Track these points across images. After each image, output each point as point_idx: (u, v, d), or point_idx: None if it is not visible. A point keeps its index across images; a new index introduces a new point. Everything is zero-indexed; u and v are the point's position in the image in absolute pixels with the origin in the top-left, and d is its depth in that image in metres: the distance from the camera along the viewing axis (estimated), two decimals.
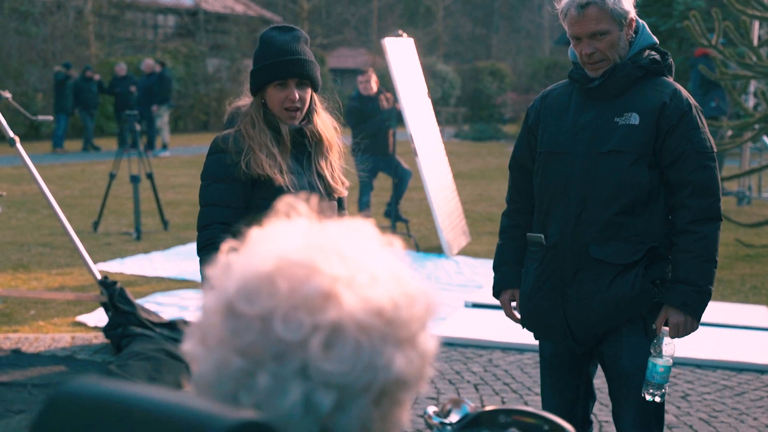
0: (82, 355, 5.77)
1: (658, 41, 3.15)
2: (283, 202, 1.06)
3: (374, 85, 9.56)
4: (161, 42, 31.65)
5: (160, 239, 9.88)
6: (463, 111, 28.99)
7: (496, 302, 3.43)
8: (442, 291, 7.65)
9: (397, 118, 9.52)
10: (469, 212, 11.22)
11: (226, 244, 1.04)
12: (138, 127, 10.39)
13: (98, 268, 6.63)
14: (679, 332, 3.03)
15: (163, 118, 19.68)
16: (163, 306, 6.91)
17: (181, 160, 18.36)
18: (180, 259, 8.79)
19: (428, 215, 11.32)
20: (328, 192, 3.18)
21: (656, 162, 3.05)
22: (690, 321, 3.03)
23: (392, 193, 9.82)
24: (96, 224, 10.26)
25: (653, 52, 3.13)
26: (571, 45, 3.13)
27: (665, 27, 18.57)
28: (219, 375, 0.95)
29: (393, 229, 9.70)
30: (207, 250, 2.93)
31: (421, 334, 0.99)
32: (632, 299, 3.02)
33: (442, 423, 1.31)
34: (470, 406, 1.31)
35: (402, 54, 9.29)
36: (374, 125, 9.37)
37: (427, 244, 9.72)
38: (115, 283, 5.95)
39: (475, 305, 7.03)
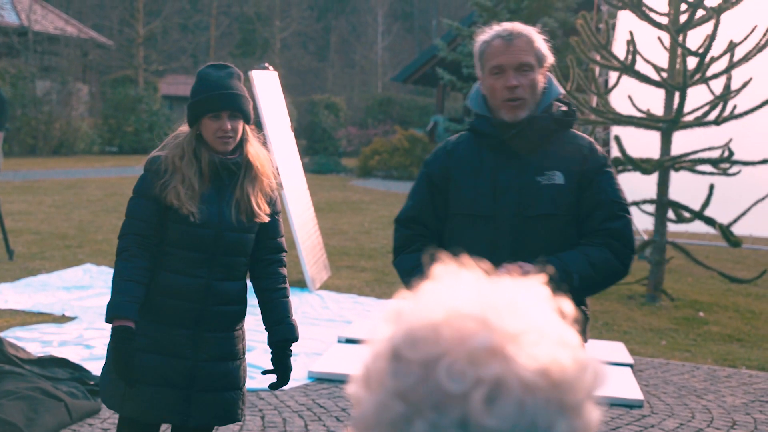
0: None
1: (564, 92, 3.13)
2: (447, 262, 1.05)
3: None
4: None
5: (6, 269, 9.36)
6: (303, 143, 29.02)
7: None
8: (311, 326, 7.61)
9: None
10: (324, 246, 11.21)
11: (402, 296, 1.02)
12: None
13: None
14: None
15: None
16: (24, 341, 6.55)
17: (12, 186, 17.47)
18: (32, 291, 8.37)
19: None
20: (248, 218, 3.37)
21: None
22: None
23: None
24: None
25: (560, 104, 3.10)
26: (483, 85, 3.04)
27: None
28: (378, 419, 0.95)
29: None
30: (122, 257, 3.29)
31: (586, 403, 0.97)
32: None
33: None
34: None
35: (267, 86, 9.25)
36: None
37: (288, 278, 9.60)
38: None
39: (348, 341, 7.03)
